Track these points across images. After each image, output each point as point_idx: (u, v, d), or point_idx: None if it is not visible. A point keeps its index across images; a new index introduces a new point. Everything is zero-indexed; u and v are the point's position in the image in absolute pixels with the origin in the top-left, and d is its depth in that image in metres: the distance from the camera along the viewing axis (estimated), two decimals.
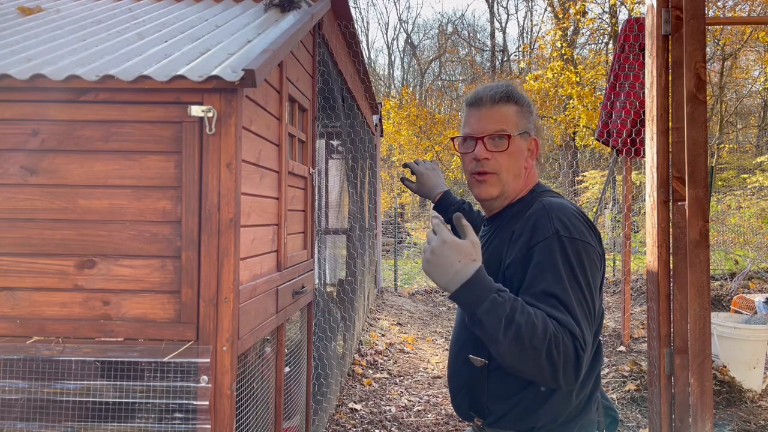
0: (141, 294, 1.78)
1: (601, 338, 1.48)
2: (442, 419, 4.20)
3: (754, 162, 16.16)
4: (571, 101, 14.94)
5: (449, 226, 1.31)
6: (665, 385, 2.37)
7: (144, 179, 1.79)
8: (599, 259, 1.33)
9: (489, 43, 29.05)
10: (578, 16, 15.84)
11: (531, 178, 1.51)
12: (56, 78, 1.73)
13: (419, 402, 4.58)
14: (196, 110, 1.73)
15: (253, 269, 2.01)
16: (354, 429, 3.96)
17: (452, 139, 1.56)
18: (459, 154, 1.52)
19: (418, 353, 6.08)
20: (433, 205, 2.01)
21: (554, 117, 16.92)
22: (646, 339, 4.19)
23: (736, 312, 5.79)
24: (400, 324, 7.37)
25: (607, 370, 4.97)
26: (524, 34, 28.80)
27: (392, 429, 4.01)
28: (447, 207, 1.97)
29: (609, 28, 16.71)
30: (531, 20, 32.13)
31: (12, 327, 1.78)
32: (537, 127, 1.51)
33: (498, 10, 31.47)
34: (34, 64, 1.85)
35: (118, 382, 1.75)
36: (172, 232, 1.78)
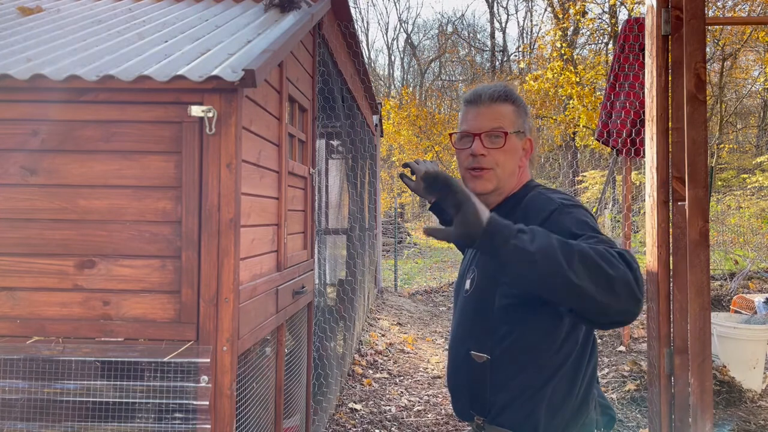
0: (141, 294, 1.78)
1: (595, 332, 1.50)
2: (442, 419, 4.20)
3: (754, 162, 16.17)
4: (571, 101, 14.93)
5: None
6: (665, 385, 2.37)
7: (144, 179, 1.79)
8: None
9: (489, 43, 29.05)
10: (578, 17, 15.84)
11: (524, 176, 1.55)
12: (56, 78, 1.73)
13: (419, 402, 4.58)
14: (196, 110, 1.73)
15: (253, 269, 2.01)
16: (354, 429, 3.96)
17: (450, 134, 1.60)
18: (455, 150, 1.56)
19: (418, 353, 6.08)
20: (429, 205, 2.01)
21: (554, 117, 16.92)
22: (646, 339, 4.19)
23: (736, 312, 5.79)
24: (400, 324, 7.37)
25: (607, 370, 4.97)
26: (524, 35, 28.81)
27: (392, 429, 4.01)
28: (445, 209, 1.97)
29: (609, 28, 16.70)
30: (531, 20, 32.13)
31: (12, 327, 1.78)
32: (531, 128, 1.56)
33: (498, 10, 31.52)
34: (34, 64, 1.85)
35: (118, 382, 1.75)
36: (172, 232, 1.78)
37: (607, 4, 16.10)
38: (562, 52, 15.52)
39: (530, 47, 25.14)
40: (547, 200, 1.38)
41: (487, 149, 1.46)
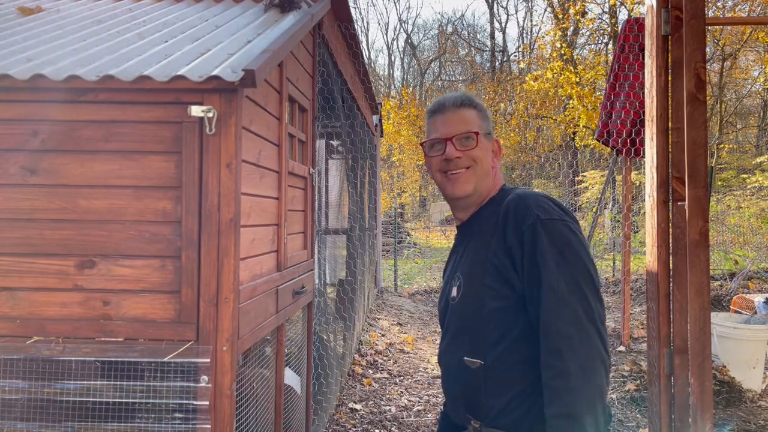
0: (141, 294, 1.78)
1: None
2: None
3: (753, 162, 16.17)
4: (571, 101, 14.95)
5: None
6: (665, 385, 2.37)
7: (144, 179, 1.79)
8: (579, 231, 1.42)
9: (489, 43, 29.08)
10: (578, 17, 15.85)
11: (498, 179, 1.58)
12: (56, 78, 1.73)
13: (419, 402, 4.58)
14: (196, 110, 1.73)
15: (253, 269, 2.01)
16: (354, 429, 3.96)
17: (421, 144, 1.63)
18: (426, 159, 1.59)
19: (418, 353, 6.08)
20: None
21: (554, 117, 16.93)
22: (646, 339, 4.19)
23: (736, 312, 5.79)
24: (400, 324, 7.37)
25: None
26: (524, 35, 28.85)
27: (392, 429, 4.01)
28: None
29: (609, 29, 16.71)
30: (531, 20, 32.19)
31: (12, 327, 1.78)
32: (493, 134, 1.61)
33: (498, 10, 31.55)
34: (35, 64, 1.85)
35: (118, 382, 1.75)
36: (172, 232, 1.78)
37: (607, 4, 16.12)
38: (562, 52, 15.53)
39: (530, 47, 25.15)
40: (524, 209, 1.39)
41: (460, 151, 1.49)
